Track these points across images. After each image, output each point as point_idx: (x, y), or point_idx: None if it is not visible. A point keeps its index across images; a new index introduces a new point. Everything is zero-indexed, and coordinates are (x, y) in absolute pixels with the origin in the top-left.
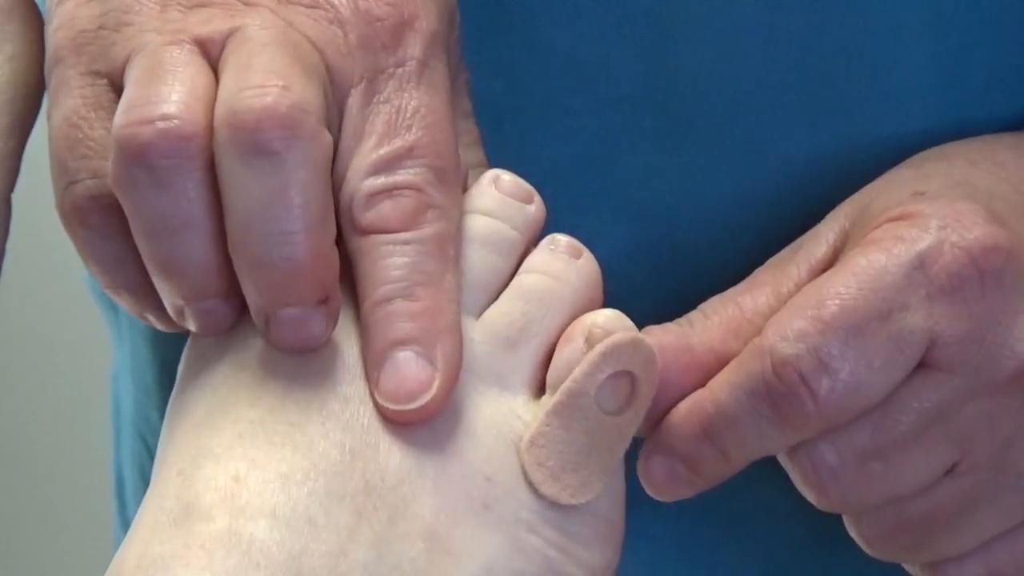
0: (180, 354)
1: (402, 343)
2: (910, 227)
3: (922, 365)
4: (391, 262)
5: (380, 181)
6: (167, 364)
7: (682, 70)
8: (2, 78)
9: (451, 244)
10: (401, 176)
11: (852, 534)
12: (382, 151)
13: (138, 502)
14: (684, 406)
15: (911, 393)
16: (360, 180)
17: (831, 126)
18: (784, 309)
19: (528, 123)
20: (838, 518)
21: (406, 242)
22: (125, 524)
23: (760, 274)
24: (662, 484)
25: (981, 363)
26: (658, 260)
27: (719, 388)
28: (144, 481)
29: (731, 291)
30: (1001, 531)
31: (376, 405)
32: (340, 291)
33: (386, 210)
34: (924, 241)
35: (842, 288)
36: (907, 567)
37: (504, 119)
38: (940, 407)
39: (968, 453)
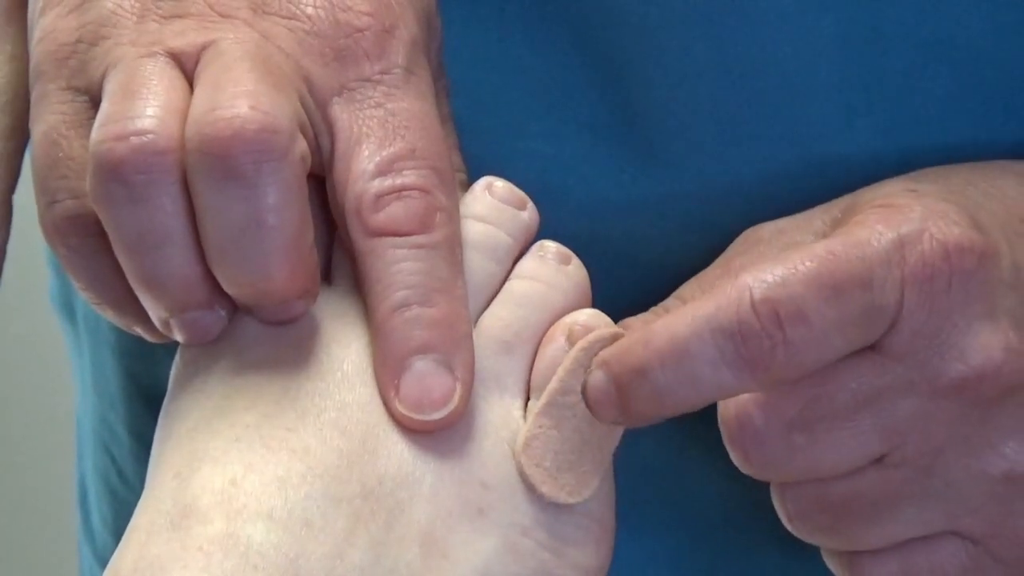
0: (145, 366)
1: (422, 351)
2: (895, 213)
3: (869, 348)
4: (406, 266)
5: (388, 182)
6: (133, 376)
7: (640, 100)
8: (2, 79)
9: (459, 248)
10: (408, 178)
11: (776, 506)
12: (384, 153)
13: (101, 512)
14: (635, 336)
15: (851, 372)
16: (367, 181)
17: (790, 152)
18: (763, 259)
19: (486, 144)
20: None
21: (420, 246)
22: (89, 535)
23: (739, 258)
24: (596, 400)
25: (929, 359)
26: (617, 293)
27: (678, 320)
28: (108, 491)
29: (706, 272)
30: (921, 535)
31: (394, 413)
32: (321, 280)
33: (396, 211)
34: (906, 227)
35: (827, 248)
36: (826, 559)
37: (461, 138)
38: (877, 392)
39: (897, 448)
